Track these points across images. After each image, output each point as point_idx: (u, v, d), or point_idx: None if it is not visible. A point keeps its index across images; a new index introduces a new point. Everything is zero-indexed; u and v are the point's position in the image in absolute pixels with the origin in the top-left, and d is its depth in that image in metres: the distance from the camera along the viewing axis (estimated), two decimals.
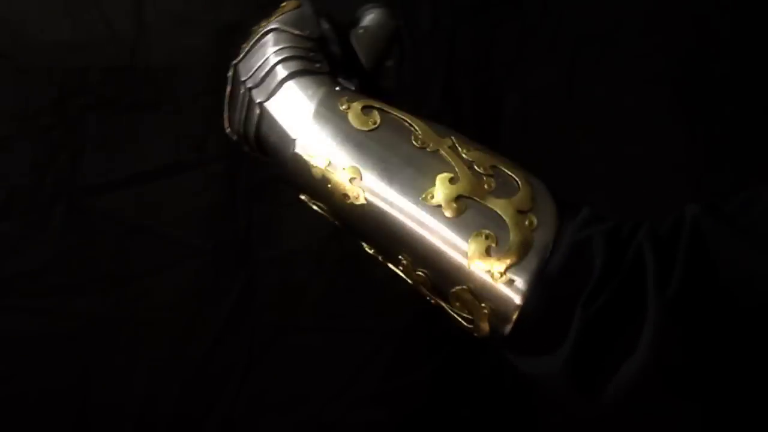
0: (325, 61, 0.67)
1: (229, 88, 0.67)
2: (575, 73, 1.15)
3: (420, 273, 0.58)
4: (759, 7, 1.12)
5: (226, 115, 0.68)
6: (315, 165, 0.61)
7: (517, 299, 0.54)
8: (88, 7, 1.12)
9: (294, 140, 0.62)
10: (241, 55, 0.67)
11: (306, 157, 0.62)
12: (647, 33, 1.14)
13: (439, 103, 1.17)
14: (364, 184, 0.59)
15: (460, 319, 0.58)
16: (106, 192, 1.15)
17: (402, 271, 0.60)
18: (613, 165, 1.16)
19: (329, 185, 0.61)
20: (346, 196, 0.60)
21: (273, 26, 0.68)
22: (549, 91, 1.16)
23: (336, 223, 0.64)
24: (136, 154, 1.16)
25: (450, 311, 0.58)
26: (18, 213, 1.14)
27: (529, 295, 0.53)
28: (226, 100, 0.68)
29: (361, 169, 0.60)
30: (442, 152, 0.59)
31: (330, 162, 0.61)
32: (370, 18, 0.75)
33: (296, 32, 0.67)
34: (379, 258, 0.62)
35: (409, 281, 0.60)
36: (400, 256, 0.59)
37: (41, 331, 1.15)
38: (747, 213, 0.51)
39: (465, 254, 0.55)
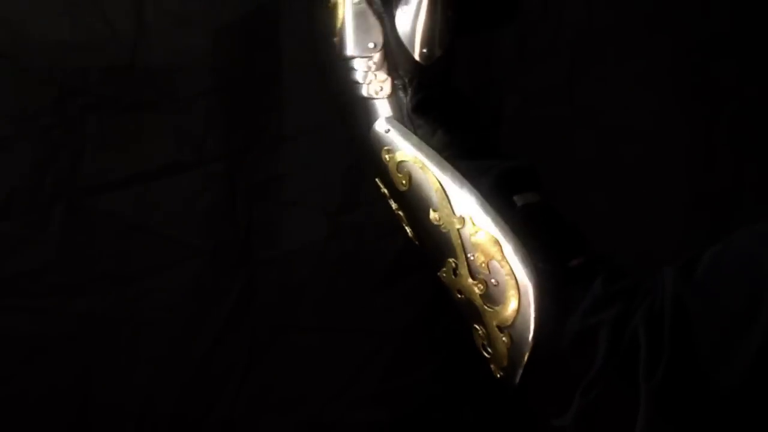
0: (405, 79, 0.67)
1: None
2: (575, 73, 1.15)
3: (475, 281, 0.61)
4: (759, 7, 1.12)
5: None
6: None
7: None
8: (88, 7, 1.12)
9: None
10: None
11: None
12: (647, 33, 1.14)
13: None
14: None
15: (482, 351, 0.61)
16: (106, 192, 1.15)
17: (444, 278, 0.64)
18: (613, 165, 1.16)
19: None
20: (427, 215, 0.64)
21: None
22: (549, 91, 1.16)
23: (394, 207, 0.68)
24: (136, 154, 1.16)
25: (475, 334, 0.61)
26: (18, 213, 1.14)
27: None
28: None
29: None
30: (451, 236, 0.61)
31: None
32: None
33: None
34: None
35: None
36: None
37: (41, 331, 1.15)
38: (715, 278, 0.51)
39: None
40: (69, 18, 1.12)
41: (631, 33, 1.14)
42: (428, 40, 0.65)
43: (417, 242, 0.66)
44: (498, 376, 0.59)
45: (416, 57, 0.65)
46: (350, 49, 0.67)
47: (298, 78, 1.17)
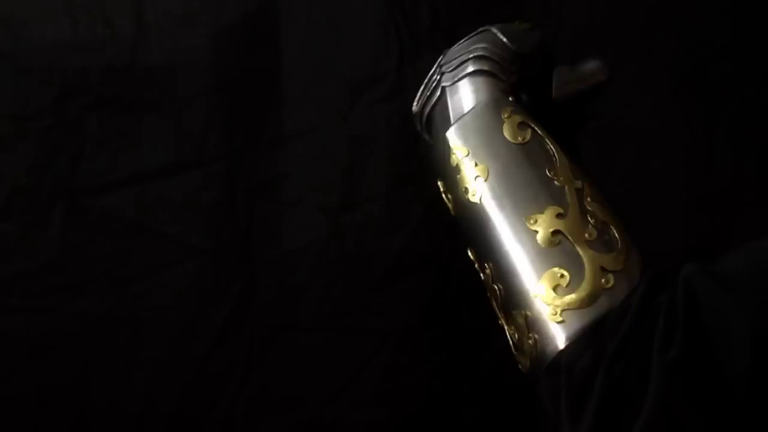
0: (516, 76, 0.74)
1: (432, 71, 0.76)
2: None
3: (496, 287, 0.62)
4: (759, 8, 1.12)
5: (420, 90, 0.77)
6: (454, 152, 0.67)
7: (561, 343, 0.56)
8: (88, 7, 1.12)
9: (450, 125, 0.68)
10: (459, 43, 0.77)
11: (451, 142, 0.67)
12: (647, 33, 1.14)
13: None
14: (486, 185, 0.64)
15: (511, 344, 0.61)
16: (106, 192, 1.15)
17: (484, 280, 0.64)
18: (613, 165, 1.16)
19: (458, 175, 0.66)
20: (467, 190, 0.65)
21: (492, 28, 0.78)
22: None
23: (454, 216, 0.70)
24: (136, 154, 1.16)
25: (507, 333, 0.61)
26: (18, 213, 1.14)
27: (572, 344, 0.55)
28: (426, 79, 0.77)
29: (490, 172, 0.64)
30: (567, 190, 0.62)
31: (468, 154, 0.66)
32: (586, 63, 0.81)
33: (505, 40, 0.75)
34: (473, 260, 0.67)
35: (488, 293, 0.64)
36: (486, 264, 0.63)
37: (41, 331, 1.15)
38: (735, 273, 0.52)
39: (535, 282, 0.58)
40: (69, 18, 1.12)
41: (631, 33, 1.14)
42: None
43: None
44: (524, 367, 0.60)
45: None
46: None
47: (298, 78, 1.17)
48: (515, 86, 0.74)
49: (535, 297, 0.57)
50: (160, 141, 1.16)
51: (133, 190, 1.16)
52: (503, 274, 0.61)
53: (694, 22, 1.14)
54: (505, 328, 0.62)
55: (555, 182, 0.62)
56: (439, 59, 0.78)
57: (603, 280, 0.56)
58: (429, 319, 1.18)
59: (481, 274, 0.65)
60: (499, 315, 0.63)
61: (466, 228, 0.67)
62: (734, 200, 1.14)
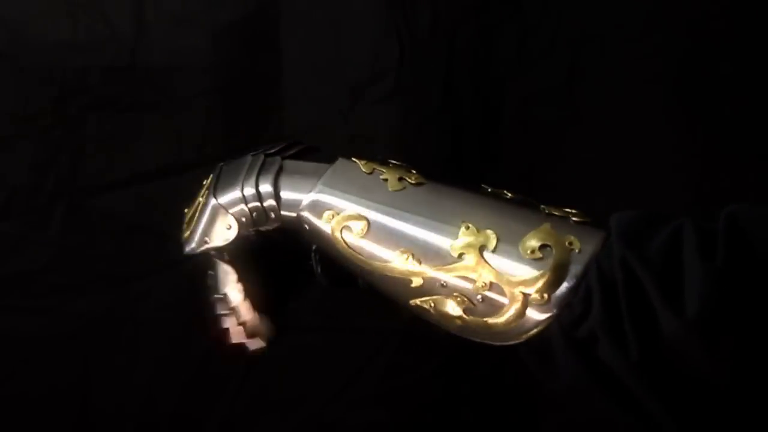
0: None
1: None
2: (575, 73, 1.15)
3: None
4: (759, 8, 1.12)
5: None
6: (362, 163, 0.65)
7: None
8: (88, 7, 1.12)
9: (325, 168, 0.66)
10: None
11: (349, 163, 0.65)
12: (647, 33, 1.14)
13: (439, 103, 1.17)
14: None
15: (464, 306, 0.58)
16: (106, 192, 1.15)
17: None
18: (613, 165, 1.16)
19: (382, 176, 0.64)
20: (401, 179, 0.63)
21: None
22: (549, 91, 1.16)
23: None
24: (136, 154, 1.16)
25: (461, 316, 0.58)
26: (18, 213, 1.14)
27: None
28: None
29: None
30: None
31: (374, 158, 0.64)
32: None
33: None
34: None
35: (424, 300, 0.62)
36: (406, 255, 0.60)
37: (41, 331, 1.15)
38: None
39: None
40: (69, 18, 1.12)
41: (631, 33, 1.14)
42: None
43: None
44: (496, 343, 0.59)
45: None
46: None
47: (298, 78, 1.17)
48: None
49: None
50: (160, 141, 1.16)
51: (133, 190, 1.16)
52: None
53: (694, 22, 1.13)
54: (460, 311, 0.60)
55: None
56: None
57: (568, 244, 0.55)
58: None
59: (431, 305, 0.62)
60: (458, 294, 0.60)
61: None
62: (734, 200, 1.14)
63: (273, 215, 0.67)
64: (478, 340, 0.58)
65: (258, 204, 0.67)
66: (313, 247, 0.70)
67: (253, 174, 0.68)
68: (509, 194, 0.63)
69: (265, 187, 0.67)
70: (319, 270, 0.70)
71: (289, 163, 0.69)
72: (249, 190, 0.68)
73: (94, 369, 1.16)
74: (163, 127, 1.15)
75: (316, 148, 0.74)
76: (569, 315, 0.53)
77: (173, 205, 1.18)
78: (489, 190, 0.63)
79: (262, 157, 0.69)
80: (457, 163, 1.18)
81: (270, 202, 0.67)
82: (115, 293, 1.16)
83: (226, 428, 1.19)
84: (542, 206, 0.60)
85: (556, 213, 0.59)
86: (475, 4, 1.15)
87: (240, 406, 1.19)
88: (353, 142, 1.17)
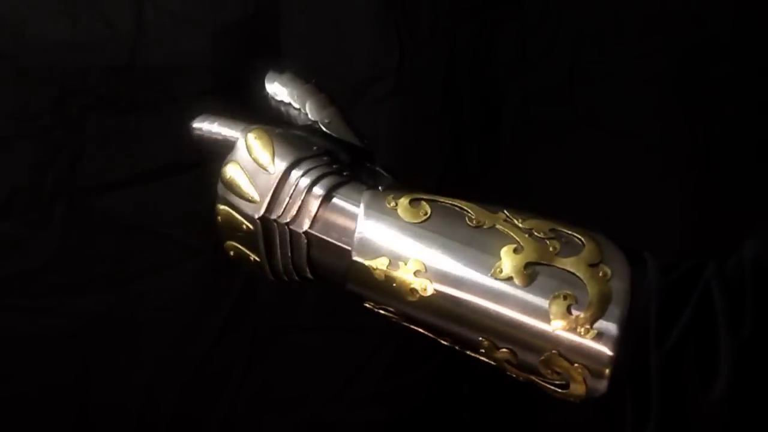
0: (346, 166, 0.66)
1: (262, 240, 0.65)
2: (575, 73, 1.15)
3: (504, 350, 0.57)
4: (759, 8, 1.12)
5: (266, 267, 0.66)
6: (376, 267, 0.61)
7: (609, 351, 0.53)
8: (88, 7, 1.12)
9: (349, 250, 0.61)
10: (263, 208, 0.64)
11: (366, 263, 0.61)
12: (647, 33, 1.14)
13: (439, 103, 1.17)
14: (429, 274, 0.59)
15: (553, 388, 0.58)
16: (106, 192, 1.15)
17: (484, 355, 0.59)
18: (613, 165, 1.16)
19: (394, 284, 0.60)
20: (413, 291, 0.59)
21: (284, 162, 0.64)
22: (549, 91, 1.16)
23: (406, 324, 0.63)
24: (136, 154, 1.16)
25: (542, 383, 0.58)
26: (18, 213, 1.14)
27: (619, 344, 0.53)
28: (264, 258, 0.65)
29: (424, 260, 0.59)
30: (499, 227, 0.59)
31: (390, 261, 0.60)
32: (311, 103, 0.74)
33: (309, 154, 0.65)
34: (457, 348, 0.61)
35: (493, 363, 0.59)
36: (479, 339, 0.58)
37: (41, 331, 1.15)
38: None
39: (547, 318, 0.55)
40: (69, 18, 1.12)
41: (631, 33, 1.14)
42: None
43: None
44: (579, 396, 0.56)
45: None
46: None
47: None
48: (357, 175, 0.66)
49: (557, 331, 0.54)
50: (160, 141, 1.16)
51: (133, 190, 1.16)
52: (506, 334, 0.57)
53: (694, 22, 1.13)
54: (536, 379, 0.59)
55: (484, 227, 0.58)
56: (257, 227, 0.65)
57: (600, 274, 0.54)
58: None
59: (477, 354, 0.60)
60: (520, 374, 0.59)
61: (433, 323, 0.61)
62: (734, 200, 1.14)
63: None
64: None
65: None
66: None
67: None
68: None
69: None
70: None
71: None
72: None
73: (94, 369, 1.16)
74: (163, 127, 1.15)
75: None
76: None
77: (173, 205, 1.19)
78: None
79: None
80: (457, 163, 1.18)
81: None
82: (115, 293, 1.16)
83: (226, 428, 1.19)
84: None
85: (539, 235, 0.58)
86: (475, 4, 1.15)
87: (240, 406, 1.19)
88: None
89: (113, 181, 1.16)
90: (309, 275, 0.65)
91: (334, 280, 0.64)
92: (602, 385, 0.54)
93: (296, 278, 0.65)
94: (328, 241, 0.62)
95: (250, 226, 0.66)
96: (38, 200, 1.14)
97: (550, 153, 1.15)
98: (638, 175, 1.16)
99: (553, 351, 0.55)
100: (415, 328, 0.63)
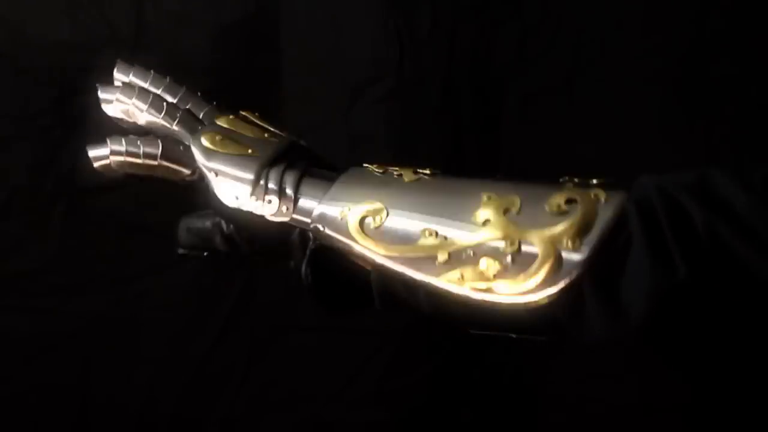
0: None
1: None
2: (575, 73, 1.15)
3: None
4: (758, 7, 1.12)
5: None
6: (374, 166, 0.66)
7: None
8: (88, 7, 1.12)
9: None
10: None
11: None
12: (647, 33, 1.14)
13: (439, 103, 1.17)
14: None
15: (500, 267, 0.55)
16: (106, 192, 1.15)
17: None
18: (613, 165, 1.16)
19: (396, 173, 0.64)
20: (416, 172, 0.62)
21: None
22: (549, 91, 1.16)
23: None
24: None
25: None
26: (18, 213, 1.14)
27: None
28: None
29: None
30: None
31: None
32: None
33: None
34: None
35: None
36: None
37: (41, 331, 1.15)
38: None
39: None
40: (69, 18, 1.12)
41: (631, 33, 1.14)
42: None
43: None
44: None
45: None
46: None
47: (298, 78, 1.17)
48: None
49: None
50: None
51: (133, 190, 1.16)
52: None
53: (694, 22, 1.13)
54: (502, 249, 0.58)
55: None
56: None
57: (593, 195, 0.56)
58: (429, 319, 1.18)
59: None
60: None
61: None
62: None
63: (285, 210, 0.67)
64: (509, 304, 0.55)
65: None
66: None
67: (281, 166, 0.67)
68: None
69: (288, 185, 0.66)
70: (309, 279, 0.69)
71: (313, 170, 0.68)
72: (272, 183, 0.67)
73: (94, 369, 1.16)
74: None
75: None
76: (603, 259, 0.53)
77: (173, 205, 1.19)
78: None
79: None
80: (457, 163, 1.18)
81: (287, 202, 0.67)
82: (115, 293, 1.16)
83: (226, 428, 1.19)
84: (561, 179, 0.60)
85: (576, 180, 0.59)
86: (475, 4, 1.15)
87: (240, 406, 1.19)
88: (353, 142, 1.17)
89: (113, 181, 1.15)
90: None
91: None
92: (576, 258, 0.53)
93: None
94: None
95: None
96: (38, 200, 1.14)
97: (549, 152, 1.15)
98: (638, 175, 1.16)
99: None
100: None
